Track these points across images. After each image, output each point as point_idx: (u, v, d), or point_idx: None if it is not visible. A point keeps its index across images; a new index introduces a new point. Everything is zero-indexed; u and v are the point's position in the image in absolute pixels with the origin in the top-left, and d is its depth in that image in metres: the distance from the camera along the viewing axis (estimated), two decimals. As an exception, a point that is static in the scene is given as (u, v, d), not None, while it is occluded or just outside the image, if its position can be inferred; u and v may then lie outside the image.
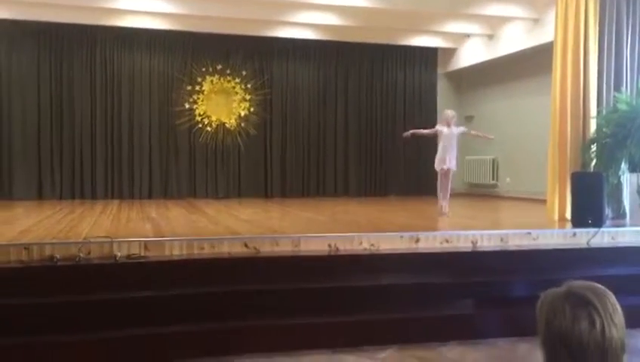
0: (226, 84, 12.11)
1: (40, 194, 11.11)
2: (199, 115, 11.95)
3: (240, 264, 5.18)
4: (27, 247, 4.85)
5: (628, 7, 7.52)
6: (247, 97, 12.18)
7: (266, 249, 5.40)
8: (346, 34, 11.80)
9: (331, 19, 10.72)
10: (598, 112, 7.41)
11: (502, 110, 12.24)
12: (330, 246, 5.55)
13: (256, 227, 6.90)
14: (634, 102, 7.13)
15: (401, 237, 5.82)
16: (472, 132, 8.55)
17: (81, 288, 4.65)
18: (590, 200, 6.69)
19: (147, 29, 11.02)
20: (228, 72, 12.06)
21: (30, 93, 11.10)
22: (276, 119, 12.38)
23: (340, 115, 12.77)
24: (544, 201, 8.15)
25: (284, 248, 5.46)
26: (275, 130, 12.38)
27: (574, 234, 6.35)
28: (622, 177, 7.22)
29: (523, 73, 11.47)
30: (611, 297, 1.41)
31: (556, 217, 7.46)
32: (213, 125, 12.02)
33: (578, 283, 1.41)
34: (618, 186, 7.19)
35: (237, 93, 12.16)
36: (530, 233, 6.20)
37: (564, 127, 7.49)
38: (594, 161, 7.30)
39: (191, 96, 11.90)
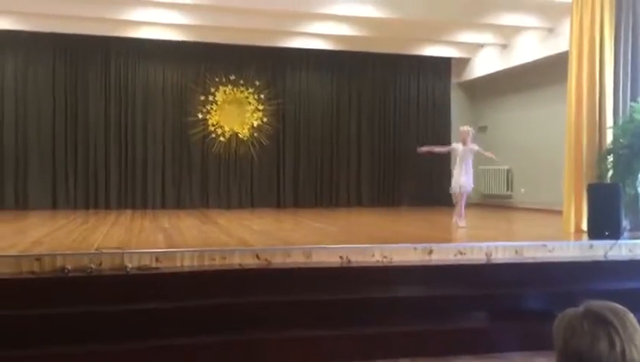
0: (239, 95, 12.14)
1: (54, 204, 11.17)
2: (212, 125, 11.98)
3: (251, 275, 5.14)
4: (39, 258, 4.85)
5: (644, 17, 7.43)
6: (260, 107, 12.20)
7: (278, 260, 5.36)
8: (358, 44, 11.79)
9: (344, 29, 10.72)
10: (615, 123, 7.30)
11: (516, 120, 12.14)
12: (342, 258, 5.50)
13: (267, 238, 6.87)
14: (651, 113, 7.03)
15: (415, 248, 5.75)
16: (486, 153, 8.42)
17: (92, 299, 4.63)
18: (607, 212, 6.58)
19: (161, 40, 11.09)
20: (241, 82, 12.09)
21: (45, 103, 11.20)
22: (289, 129, 12.38)
23: (352, 125, 12.74)
24: (559, 212, 8.04)
25: (296, 259, 5.41)
26: (288, 140, 12.37)
27: (591, 247, 6.24)
28: (639, 188, 7.09)
29: (537, 83, 11.37)
30: (631, 317, 1.37)
31: (572, 229, 7.35)
32: (227, 135, 12.04)
33: (597, 303, 1.38)
34: (635, 198, 7.06)
35: (250, 103, 12.19)
36: (545, 245, 6.11)
37: (580, 138, 7.39)
38: (610, 172, 7.18)
39: (204, 106, 11.94)
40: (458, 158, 8.12)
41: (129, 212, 10.58)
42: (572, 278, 5.70)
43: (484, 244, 5.99)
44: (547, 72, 10.75)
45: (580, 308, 1.37)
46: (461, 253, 5.83)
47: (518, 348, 4.94)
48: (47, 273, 4.78)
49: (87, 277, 4.77)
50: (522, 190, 12.01)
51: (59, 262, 4.84)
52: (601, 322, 1.32)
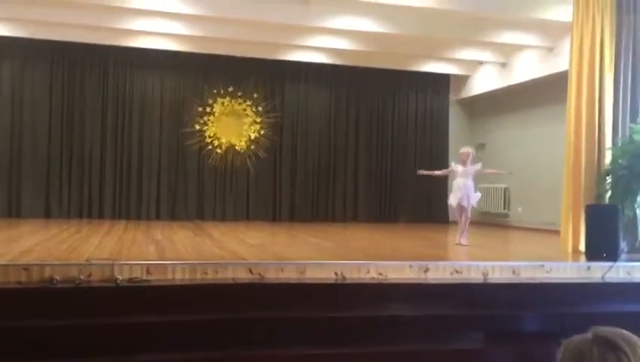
0: (236, 107, 12.09)
1: (48, 212, 11.07)
2: (209, 136, 11.92)
3: (244, 290, 5.05)
4: (27, 268, 4.75)
5: (644, 37, 7.42)
6: (258, 120, 12.15)
7: (271, 275, 5.26)
8: (358, 59, 11.78)
9: (343, 43, 10.71)
10: (614, 143, 7.27)
11: (514, 138, 12.11)
12: (336, 274, 5.40)
13: (261, 252, 6.77)
14: (651, 134, 6.99)
15: (410, 266, 5.67)
16: (487, 170, 8.35)
17: (80, 311, 4.52)
18: (605, 233, 6.53)
19: (159, 49, 11.06)
20: (239, 94, 12.05)
21: (41, 111, 11.14)
22: (286, 142, 12.32)
23: (350, 139, 12.70)
24: (556, 232, 7.98)
25: (290, 275, 5.32)
26: (285, 153, 12.32)
27: (589, 268, 6.17)
28: (638, 210, 7.04)
29: (536, 102, 11.36)
30: None
31: (570, 249, 7.28)
32: (223, 147, 11.98)
33: (606, 329, 1.38)
34: (634, 219, 7.01)
35: (248, 115, 12.14)
36: (543, 265, 6.03)
37: (579, 158, 7.35)
38: (609, 193, 7.13)
39: (201, 117, 11.88)
40: (457, 178, 8.00)
41: (123, 222, 10.48)
42: (570, 300, 5.63)
43: (481, 264, 5.91)
44: (546, 91, 10.74)
45: (588, 334, 1.36)
46: (457, 272, 5.75)
47: (514, 370, 4.86)
48: (35, 283, 4.68)
49: (76, 289, 4.66)
50: (519, 209, 11.96)
51: (47, 273, 4.74)
52: (612, 348, 1.31)
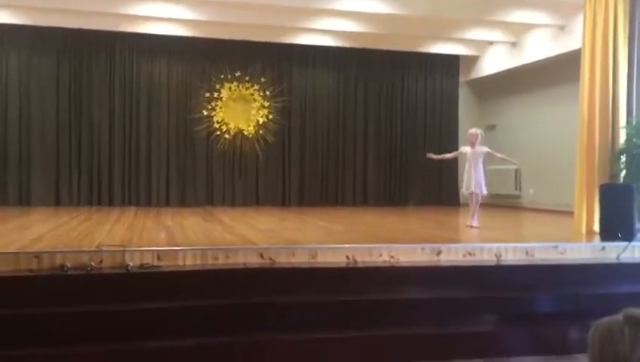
0: (244, 91, 12.01)
1: (58, 200, 11.08)
2: (217, 122, 11.86)
3: (255, 275, 5.02)
4: (37, 256, 4.75)
5: (659, 14, 7.26)
6: (266, 104, 12.08)
7: (282, 260, 5.24)
8: (366, 41, 11.65)
9: (351, 25, 10.57)
10: (628, 122, 7.15)
11: (525, 119, 11.97)
12: (348, 257, 5.37)
13: (272, 237, 6.74)
14: (665, 112, 6.87)
15: (422, 249, 5.62)
16: (498, 155, 8.26)
17: (92, 298, 4.52)
18: (620, 213, 6.45)
19: (166, 35, 10.97)
20: (247, 78, 11.96)
21: (49, 99, 11.11)
22: (295, 126, 12.25)
23: (359, 122, 12.61)
24: (569, 213, 7.90)
25: (301, 259, 5.29)
26: (294, 137, 12.25)
27: (603, 248, 6.10)
28: (652, 189, 6.93)
29: (548, 81, 11.20)
30: None
31: (584, 230, 7.20)
32: (232, 132, 11.92)
33: (635, 310, 1.37)
34: (649, 199, 6.90)
35: (255, 100, 12.06)
36: (557, 246, 5.97)
37: (593, 138, 7.24)
38: (623, 172, 7.03)
39: (209, 103, 11.82)
40: (467, 161, 7.98)
41: (133, 209, 10.48)
42: (584, 281, 5.57)
43: (494, 245, 5.86)
44: (558, 71, 10.58)
45: (619, 315, 1.36)
46: (470, 254, 5.70)
47: (528, 352, 4.81)
48: (46, 271, 4.67)
49: (87, 276, 4.65)
50: (531, 190, 11.85)
51: (58, 260, 4.73)
52: None
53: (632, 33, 7.19)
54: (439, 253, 5.62)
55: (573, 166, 7.72)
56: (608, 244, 6.14)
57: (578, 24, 8.38)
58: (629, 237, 6.19)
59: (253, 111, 12.05)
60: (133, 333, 4.29)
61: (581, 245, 6.29)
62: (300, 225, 8.53)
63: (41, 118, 11.09)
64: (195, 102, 11.75)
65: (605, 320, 1.35)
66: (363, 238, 6.64)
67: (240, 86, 11.96)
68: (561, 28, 10.11)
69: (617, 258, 5.93)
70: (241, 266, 5.08)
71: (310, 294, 4.89)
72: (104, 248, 5.02)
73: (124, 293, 4.61)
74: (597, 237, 6.73)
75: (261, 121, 12.04)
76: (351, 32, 10.91)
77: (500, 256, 5.73)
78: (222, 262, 5.11)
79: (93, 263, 4.74)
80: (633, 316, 1.31)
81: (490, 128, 12.16)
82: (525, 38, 11.17)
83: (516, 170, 11.98)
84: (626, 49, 7.17)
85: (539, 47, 10.84)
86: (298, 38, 11.43)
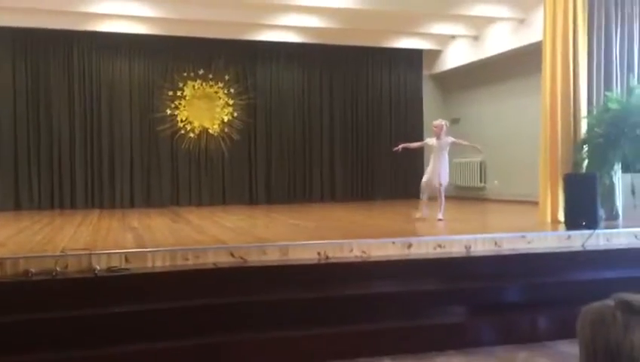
0: (208, 89, 11.88)
1: (18, 204, 10.77)
2: (181, 120, 11.70)
3: (226, 274, 4.95)
4: (0, 262, 4.58)
5: (617, 5, 7.42)
6: (231, 102, 11.96)
7: (253, 258, 5.18)
8: (330, 37, 11.63)
9: (315, 21, 10.55)
10: (589, 112, 7.29)
11: (488, 112, 12.14)
12: (319, 254, 5.35)
13: (242, 235, 6.67)
14: (625, 102, 7.03)
15: (393, 243, 5.63)
16: (463, 142, 8.37)
17: (59, 304, 4.39)
18: (583, 202, 6.57)
19: (126, 33, 10.75)
20: (210, 76, 11.83)
21: (5, 100, 10.78)
22: (260, 124, 12.17)
23: (325, 118, 12.60)
24: (533, 203, 8.03)
25: (272, 257, 5.25)
26: (260, 135, 12.17)
27: (569, 237, 6.21)
28: (614, 178, 7.10)
29: (510, 74, 11.37)
30: None
31: (549, 219, 7.32)
32: (196, 131, 11.78)
33: (628, 295, 1.35)
34: (611, 187, 7.07)
35: (220, 98, 11.94)
36: (524, 236, 6.06)
37: (555, 128, 7.36)
38: (586, 162, 7.17)
39: (172, 101, 11.64)
40: (433, 153, 8.05)
41: (96, 211, 10.26)
42: (552, 269, 5.68)
43: (463, 237, 5.91)
44: (519, 63, 10.75)
45: (609, 301, 1.35)
46: (440, 246, 5.73)
47: (499, 342, 4.87)
48: (10, 277, 4.52)
49: (53, 281, 4.52)
50: (495, 182, 12.02)
51: (22, 266, 4.58)
52: (636, 312, 1.29)
53: (591, 24, 7.33)
54: (410, 246, 5.64)
55: (536, 156, 7.85)
56: (574, 233, 6.25)
57: (538, 17, 8.53)
58: (593, 225, 6.31)
59: (218, 110, 11.93)
60: (105, 338, 4.19)
61: (547, 234, 6.40)
62: (269, 222, 8.48)
63: (-3, 120, 10.76)
64: (158, 101, 11.56)
65: (596, 305, 1.35)
66: (334, 234, 6.63)
67: (204, 84, 11.82)
68: (521, 21, 10.28)
69: (582, 246, 6.05)
70: (211, 266, 5.01)
71: (282, 292, 4.86)
72: (69, 252, 4.89)
73: (93, 297, 4.50)
74: (562, 226, 6.85)
75: (226, 119, 11.92)
76: (315, 28, 10.89)
77: (470, 247, 5.78)
78: (192, 262, 5.03)
79: (58, 268, 4.60)
80: (625, 302, 1.31)
81: (454, 121, 12.27)
82: (486, 32, 11.33)
83: (481, 163, 12.14)
84: (586, 40, 7.30)
85: (500, 40, 10.99)
86: (262, 35, 11.35)
